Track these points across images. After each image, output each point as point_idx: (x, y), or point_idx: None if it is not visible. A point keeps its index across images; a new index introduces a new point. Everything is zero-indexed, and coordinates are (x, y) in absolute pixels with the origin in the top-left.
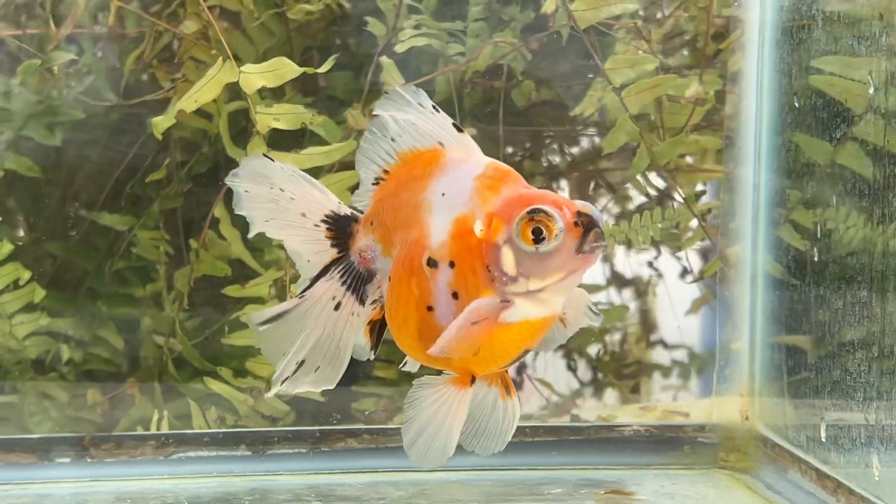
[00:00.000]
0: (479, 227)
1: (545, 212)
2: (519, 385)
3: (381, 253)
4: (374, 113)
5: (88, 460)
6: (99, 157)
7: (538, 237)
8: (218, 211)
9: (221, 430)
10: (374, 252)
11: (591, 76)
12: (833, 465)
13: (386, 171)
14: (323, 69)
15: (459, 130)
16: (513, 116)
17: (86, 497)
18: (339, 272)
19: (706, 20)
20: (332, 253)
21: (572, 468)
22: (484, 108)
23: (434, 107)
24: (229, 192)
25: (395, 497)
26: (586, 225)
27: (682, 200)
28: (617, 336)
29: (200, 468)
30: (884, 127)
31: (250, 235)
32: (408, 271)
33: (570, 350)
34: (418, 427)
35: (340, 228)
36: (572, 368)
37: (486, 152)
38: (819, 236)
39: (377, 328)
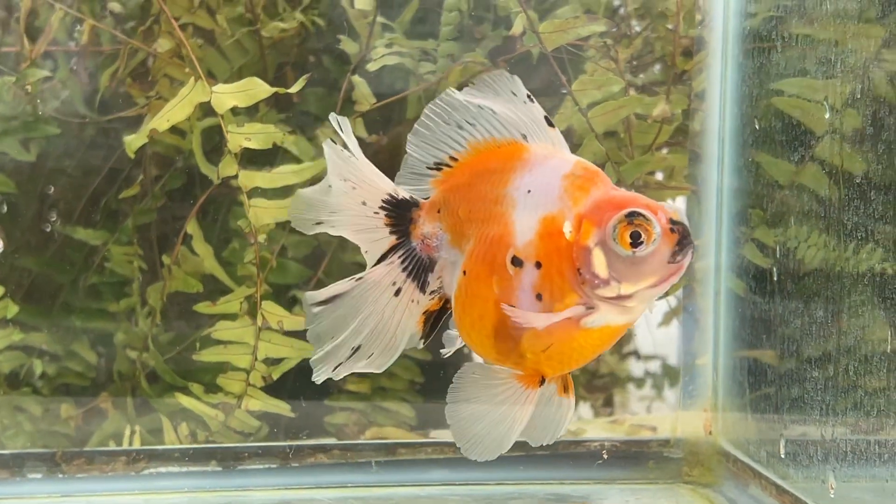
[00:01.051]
0: (568, 229)
1: (644, 216)
2: None
3: (449, 242)
4: (449, 93)
5: (60, 476)
6: (74, 172)
7: (636, 241)
8: (190, 227)
9: (192, 446)
10: (439, 240)
11: (564, 91)
12: (791, 481)
13: (453, 159)
14: (294, 89)
15: (551, 125)
16: None
17: None
18: (399, 257)
19: (673, 41)
20: (391, 240)
21: (540, 483)
22: None
23: (529, 96)
24: (202, 208)
25: None
26: (681, 232)
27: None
28: None
29: (171, 483)
30: (840, 149)
31: (310, 232)
32: (488, 268)
33: None
34: (475, 415)
35: (400, 214)
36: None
37: None
38: (780, 255)
39: (433, 318)
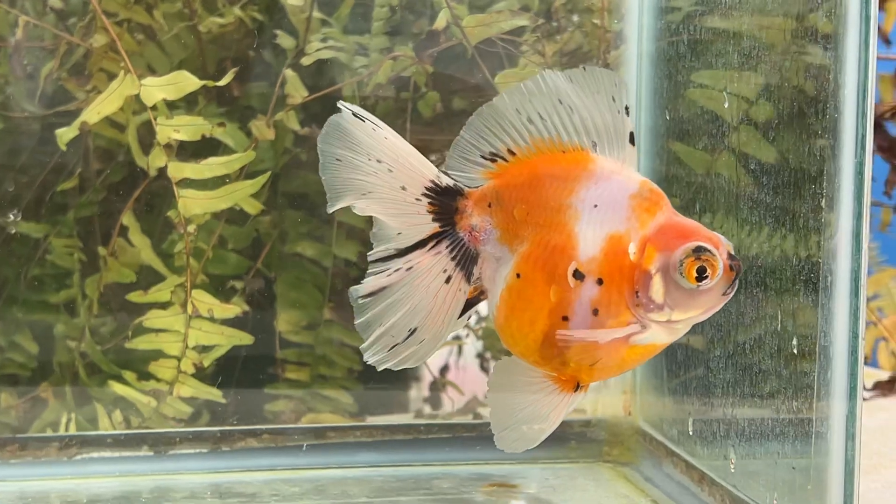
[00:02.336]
0: (633, 250)
1: (710, 252)
2: (437, 387)
3: (498, 239)
4: (543, 76)
5: None
6: (19, 167)
7: (701, 276)
8: (126, 219)
9: (124, 432)
10: (487, 234)
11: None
12: (699, 458)
13: (511, 152)
14: (223, 82)
15: (632, 142)
16: (422, 126)
17: None
18: (447, 247)
19: (598, 36)
20: (434, 227)
21: (464, 463)
22: (394, 118)
23: (626, 108)
24: (144, 201)
25: (289, 493)
26: (738, 269)
27: None
28: None
29: (103, 468)
30: (755, 138)
31: (332, 209)
32: (546, 277)
33: (483, 353)
34: (514, 411)
35: (444, 203)
36: (486, 370)
37: None
38: None
39: (464, 307)
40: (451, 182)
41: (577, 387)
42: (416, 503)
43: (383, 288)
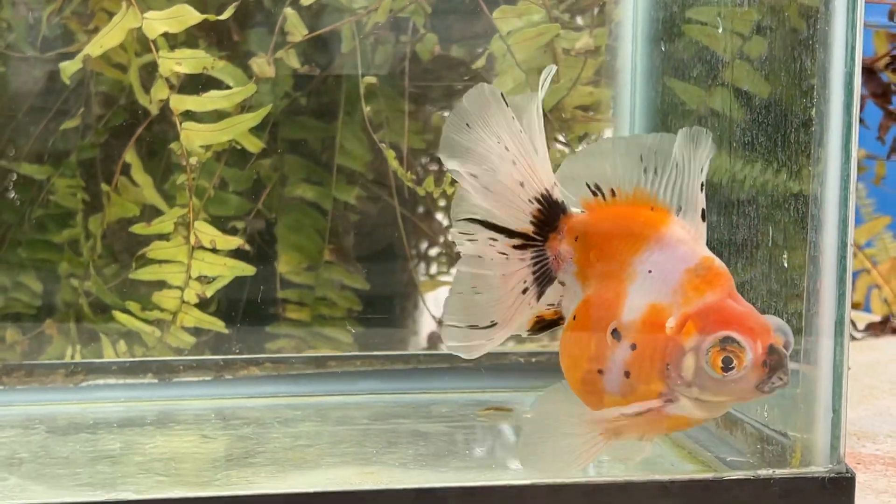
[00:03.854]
0: (670, 324)
1: (738, 343)
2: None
3: (575, 274)
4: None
5: (1, 387)
6: (23, 111)
7: (727, 366)
8: (129, 156)
9: (129, 360)
10: (567, 265)
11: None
12: None
13: (613, 192)
14: (224, 16)
15: (703, 219)
16: (419, 70)
17: None
18: (532, 257)
19: None
20: (530, 230)
21: (461, 391)
22: (392, 63)
23: (702, 185)
24: (140, 141)
25: (291, 416)
26: (773, 365)
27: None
28: None
29: (108, 394)
30: (748, 74)
31: (446, 162)
32: (593, 324)
33: None
34: (547, 443)
35: (550, 216)
36: None
37: (392, 106)
38: None
39: (544, 324)
40: (561, 198)
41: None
42: (416, 425)
43: (473, 258)
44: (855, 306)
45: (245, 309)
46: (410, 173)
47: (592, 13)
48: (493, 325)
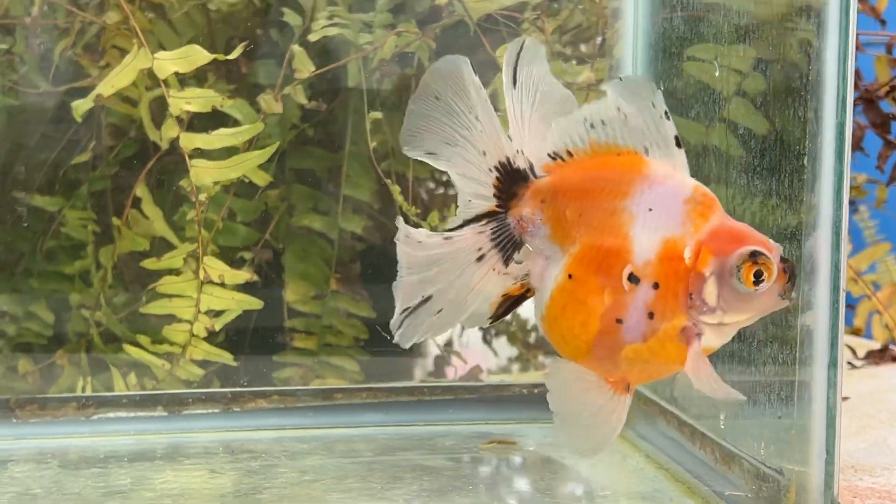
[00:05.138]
0: (687, 254)
1: (766, 256)
2: (444, 360)
3: (548, 237)
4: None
5: (14, 421)
6: (34, 143)
7: (758, 280)
8: (140, 190)
9: (139, 392)
10: (535, 228)
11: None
12: (690, 415)
13: (570, 153)
14: (233, 56)
15: (679, 145)
16: None
17: (11, 453)
18: (491, 228)
19: (597, 12)
20: (491, 204)
21: (466, 423)
22: (396, 94)
23: (666, 112)
24: (156, 177)
25: (298, 449)
26: (790, 271)
27: None
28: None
29: (119, 427)
30: (746, 111)
31: (407, 151)
32: (601, 279)
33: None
34: (581, 421)
35: (508, 184)
36: (487, 342)
37: (398, 137)
38: None
39: (511, 302)
40: (524, 165)
41: (628, 388)
42: (420, 459)
43: (416, 244)
44: (856, 332)
45: (252, 338)
46: (415, 208)
47: (595, 43)
48: (426, 300)
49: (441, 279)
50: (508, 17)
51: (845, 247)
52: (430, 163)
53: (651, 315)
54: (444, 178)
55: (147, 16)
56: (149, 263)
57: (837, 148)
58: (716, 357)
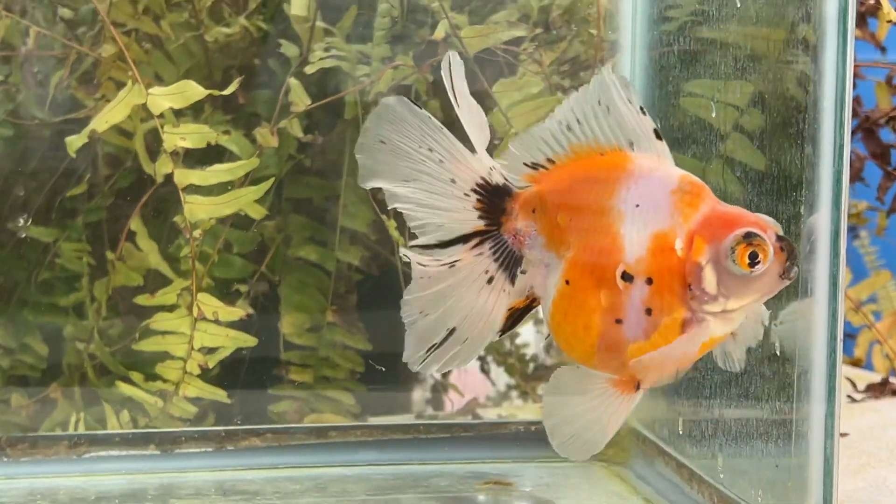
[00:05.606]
0: (679, 245)
1: (760, 236)
2: (438, 388)
3: (544, 246)
4: (573, 91)
5: (5, 459)
6: (29, 173)
7: (754, 261)
8: (134, 224)
9: (131, 431)
10: (532, 239)
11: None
12: (688, 456)
13: (550, 161)
14: (227, 91)
15: (658, 137)
16: None
17: (1, 493)
18: (490, 248)
19: (595, 45)
20: (478, 224)
21: (461, 462)
22: None
23: (641, 108)
24: (151, 206)
25: (291, 490)
26: (789, 249)
27: None
28: (530, 343)
29: (111, 466)
30: (744, 147)
31: (365, 185)
32: (596, 281)
33: (484, 356)
34: (572, 418)
35: (492, 202)
36: (486, 371)
37: None
38: None
39: (517, 315)
40: (501, 180)
41: (637, 386)
42: (415, 501)
43: (423, 280)
44: (856, 363)
45: (247, 370)
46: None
47: (592, 76)
48: (451, 332)
49: (459, 310)
50: (506, 49)
51: (843, 278)
52: (394, 201)
53: (649, 311)
54: None
55: (143, 46)
56: (142, 300)
57: (835, 197)
58: (713, 391)
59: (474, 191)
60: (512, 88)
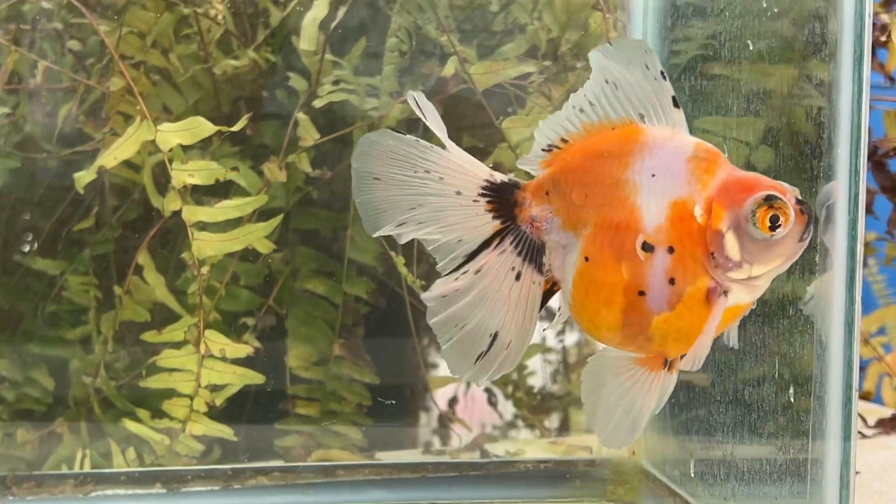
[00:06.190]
0: (699, 212)
1: (780, 199)
2: (445, 421)
3: (561, 226)
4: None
5: (11, 498)
6: (36, 203)
7: (775, 224)
8: (142, 258)
9: (137, 469)
10: (549, 223)
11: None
12: (699, 499)
13: (564, 140)
14: (236, 128)
15: (676, 105)
16: None
17: None
18: (511, 242)
19: None
20: (495, 224)
21: (470, 501)
22: None
23: (662, 73)
24: (158, 237)
25: None
26: (808, 212)
27: None
28: (537, 371)
29: None
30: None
31: (376, 234)
32: (615, 255)
33: (490, 388)
34: (608, 406)
35: (502, 199)
36: (493, 404)
37: None
38: None
39: (542, 302)
40: (504, 178)
41: (665, 364)
42: None
43: (452, 294)
44: (865, 396)
45: (254, 404)
46: (420, 281)
47: None
48: (495, 337)
49: (496, 313)
50: (515, 82)
51: (859, 314)
52: (403, 235)
53: (672, 281)
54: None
55: (151, 77)
56: (149, 336)
57: (850, 247)
58: (725, 433)
59: (482, 194)
60: (521, 124)
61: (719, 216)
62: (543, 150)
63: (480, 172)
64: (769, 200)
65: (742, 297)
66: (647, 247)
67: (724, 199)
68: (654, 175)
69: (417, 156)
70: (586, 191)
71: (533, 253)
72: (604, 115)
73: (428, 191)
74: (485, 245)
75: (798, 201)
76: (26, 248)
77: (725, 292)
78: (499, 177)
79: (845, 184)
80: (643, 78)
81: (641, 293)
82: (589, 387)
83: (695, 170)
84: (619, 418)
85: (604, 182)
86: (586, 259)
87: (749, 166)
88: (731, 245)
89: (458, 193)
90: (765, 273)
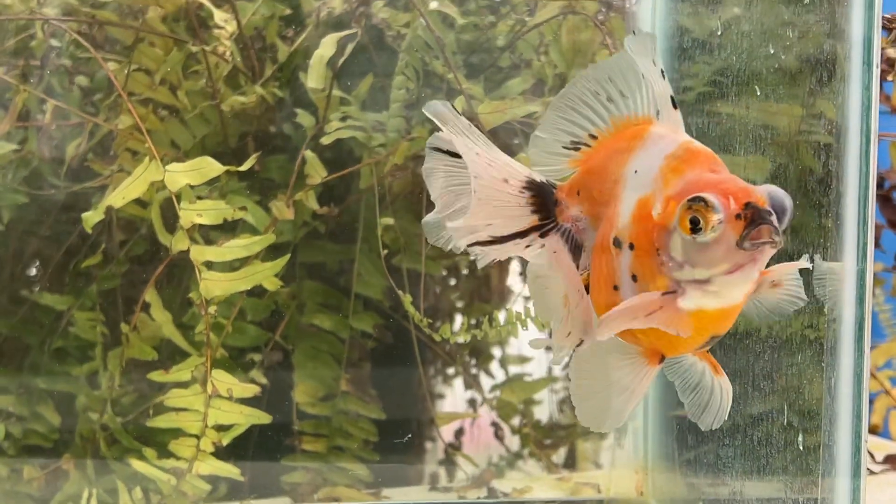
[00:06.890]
0: (656, 210)
1: (705, 201)
2: (450, 456)
3: (590, 224)
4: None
5: None
6: (43, 238)
7: (695, 227)
8: (149, 295)
9: None
10: (584, 223)
11: None
12: None
13: (593, 137)
14: (244, 167)
15: (674, 106)
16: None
17: None
18: (559, 236)
19: None
20: (533, 219)
21: None
22: (411, 195)
23: (661, 71)
24: (165, 273)
25: None
26: (750, 218)
27: None
28: (544, 404)
29: None
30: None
31: (435, 200)
32: (601, 249)
33: (496, 422)
34: (598, 388)
35: (544, 196)
36: (499, 438)
37: (409, 231)
38: None
39: None
40: (543, 178)
41: (661, 359)
42: None
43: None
44: (873, 430)
45: (260, 439)
46: (427, 319)
47: None
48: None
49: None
50: (523, 121)
51: (866, 396)
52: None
53: (634, 278)
54: (465, 270)
55: (159, 113)
56: (156, 376)
57: (859, 293)
58: (734, 473)
59: (526, 188)
60: (526, 162)
61: (670, 215)
62: (567, 148)
63: (521, 169)
64: (691, 202)
65: (704, 301)
66: (616, 242)
67: (679, 197)
68: (636, 171)
69: (470, 137)
70: (601, 188)
71: (577, 252)
72: (632, 109)
73: (477, 170)
74: (518, 235)
75: (746, 206)
76: (33, 272)
77: (684, 293)
78: (538, 176)
79: (853, 234)
80: (653, 73)
81: (615, 288)
82: (585, 364)
83: (664, 168)
84: (606, 400)
85: (610, 178)
86: (593, 254)
87: None
88: (675, 245)
89: (506, 181)
90: (711, 277)
